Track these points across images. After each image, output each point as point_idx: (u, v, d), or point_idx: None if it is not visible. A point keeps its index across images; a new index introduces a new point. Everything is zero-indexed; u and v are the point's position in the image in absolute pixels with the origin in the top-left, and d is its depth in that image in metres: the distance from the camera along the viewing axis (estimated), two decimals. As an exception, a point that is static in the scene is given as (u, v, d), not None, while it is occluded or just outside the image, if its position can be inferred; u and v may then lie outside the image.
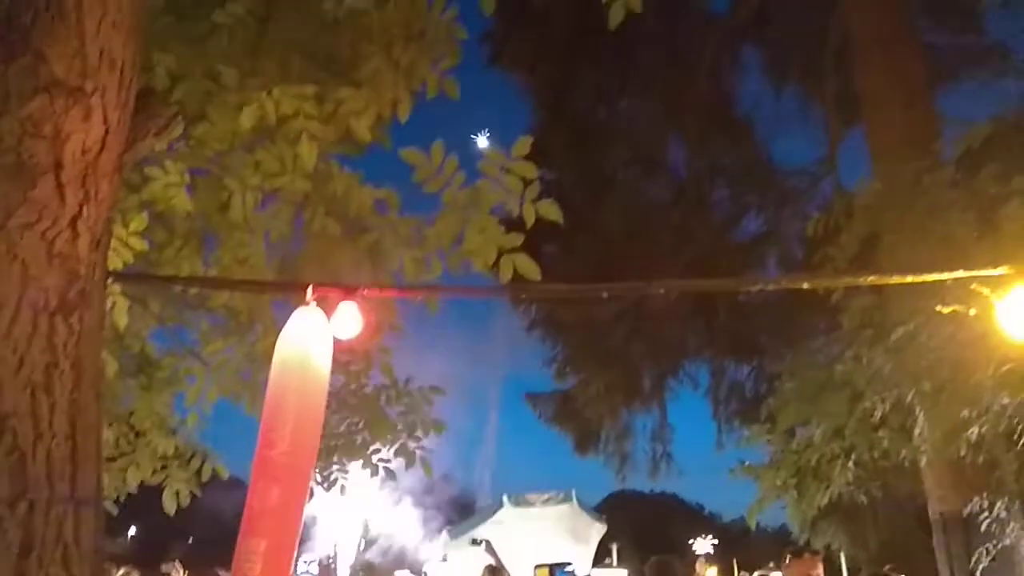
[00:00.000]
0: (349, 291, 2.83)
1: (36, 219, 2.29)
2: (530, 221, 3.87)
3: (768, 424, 8.17)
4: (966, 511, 6.65)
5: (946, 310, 3.28)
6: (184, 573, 7.19)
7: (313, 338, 2.62)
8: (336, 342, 2.92)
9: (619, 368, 14.09)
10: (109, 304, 3.99)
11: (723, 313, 13.59)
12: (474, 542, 11.58)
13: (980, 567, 6.58)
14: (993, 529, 6.42)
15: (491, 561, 7.17)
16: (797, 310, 11.50)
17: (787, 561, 4.95)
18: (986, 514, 6.38)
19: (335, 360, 5.02)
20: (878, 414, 6.55)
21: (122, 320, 4.10)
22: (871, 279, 3.47)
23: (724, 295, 13.24)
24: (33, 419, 2.13)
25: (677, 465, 15.28)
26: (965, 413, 5.59)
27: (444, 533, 13.55)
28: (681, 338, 14.22)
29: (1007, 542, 6.51)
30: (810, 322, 10.88)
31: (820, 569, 4.88)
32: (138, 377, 5.32)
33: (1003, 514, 6.33)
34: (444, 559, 11.51)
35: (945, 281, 2.93)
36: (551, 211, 3.88)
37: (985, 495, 6.47)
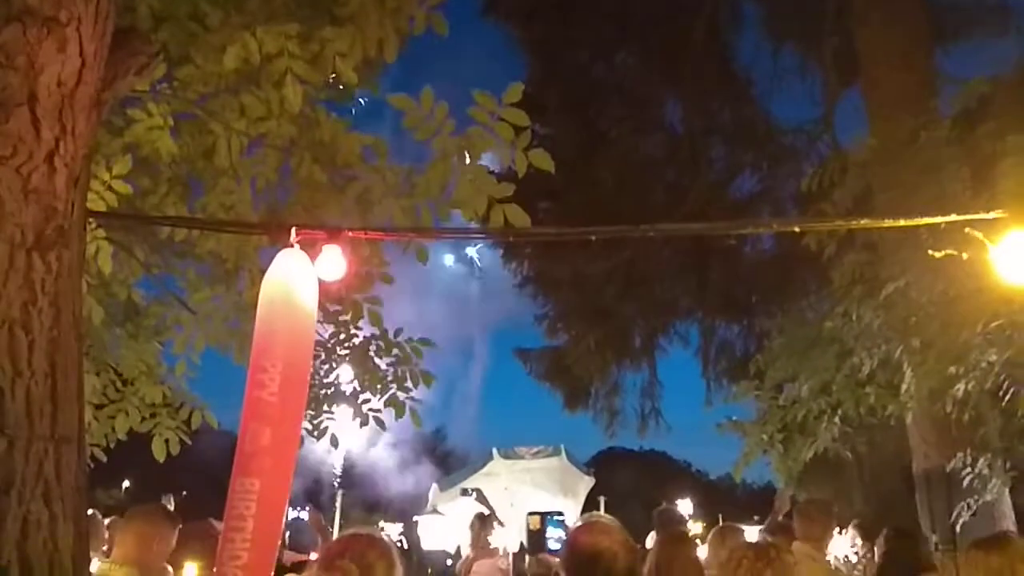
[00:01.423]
0: (333, 233, 2.79)
1: (10, 153, 2.23)
2: (521, 170, 3.81)
3: (756, 380, 8.23)
4: (949, 467, 6.73)
5: (939, 255, 3.26)
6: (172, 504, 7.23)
7: (298, 279, 2.58)
8: (326, 290, 2.89)
9: (610, 325, 14.12)
10: (93, 249, 3.93)
11: (715, 272, 13.59)
12: (464, 492, 11.72)
13: (961, 522, 6.69)
14: (975, 485, 6.51)
15: (482, 510, 7.25)
16: (789, 269, 11.51)
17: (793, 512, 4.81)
18: (969, 470, 6.46)
19: (324, 310, 5.00)
20: (866, 370, 6.59)
21: (107, 266, 4.05)
22: (863, 223, 3.44)
23: (717, 254, 13.24)
24: (11, 356, 2.10)
25: (666, 422, 15.45)
26: (952, 370, 5.62)
27: (434, 485, 13.73)
28: (672, 296, 14.24)
29: (988, 498, 6.61)
30: (802, 281, 10.90)
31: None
32: (125, 325, 5.29)
33: (985, 470, 6.42)
34: (435, 510, 11.68)
35: (939, 226, 2.90)
36: (543, 160, 3.81)
37: (969, 451, 6.55)
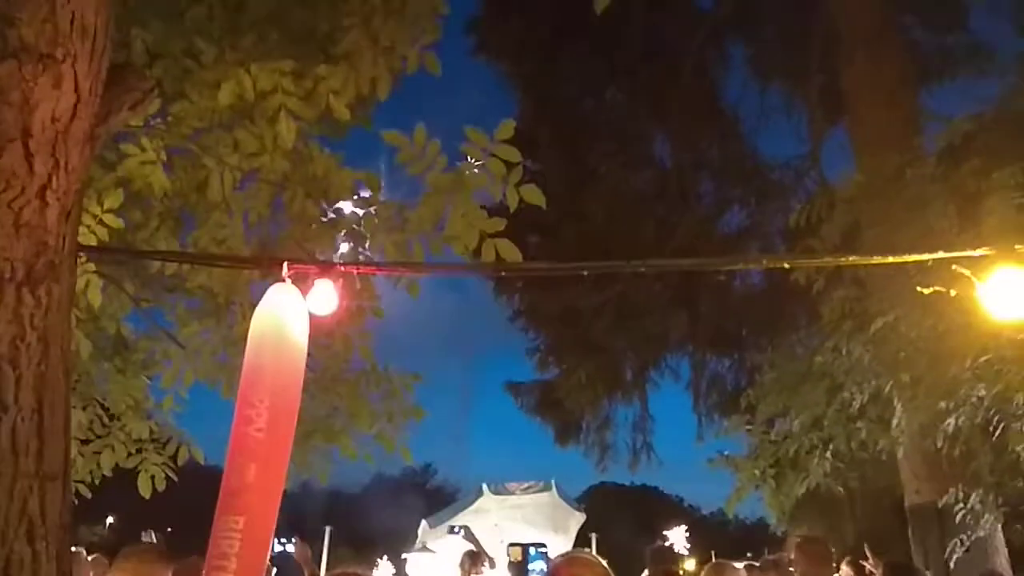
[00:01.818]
0: (325, 268, 2.79)
1: (3, 188, 2.23)
2: (513, 205, 3.83)
3: (747, 415, 8.22)
4: (941, 502, 6.71)
5: (927, 291, 3.29)
6: (154, 540, 7.11)
7: (289, 314, 2.57)
8: (317, 323, 2.87)
9: (601, 359, 14.10)
10: (83, 283, 3.92)
11: (705, 306, 13.64)
12: (452, 530, 11.56)
13: (954, 557, 6.65)
14: (968, 520, 6.48)
15: (471, 547, 7.15)
16: (779, 303, 11.56)
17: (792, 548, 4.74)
18: (961, 505, 6.44)
19: (315, 344, 4.98)
20: (856, 405, 6.60)
21: (96, 300, 4.03)
22: (852, 259, 3.47)
23: (707, 288, 13.30)
24: (-2, 392, 2.07)
25: (657, 457, 15.36)
26: (942, 404, 5.64)
27: (423, 522, 13.54)
28: (663, 330, 14.24)
29: (981, 533, 6.59)
30: (791, 315, 10.95)
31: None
32: (113, 360, 5.25)
33: (977, 506, 6.40)
34: (424, 547, 11.51)
35: (927, 263, 2.93)
36: (534, 196, 3.84)
37: (960, 487, 6.53)
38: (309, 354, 3.95)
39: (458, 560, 6.84)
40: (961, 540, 6.63)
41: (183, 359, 4.87)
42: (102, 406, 5.40)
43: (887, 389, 6.10)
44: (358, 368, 5.33)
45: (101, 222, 3.87)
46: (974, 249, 2.55)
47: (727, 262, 6.82)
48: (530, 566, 12.91)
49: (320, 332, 4.88)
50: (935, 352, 5.50)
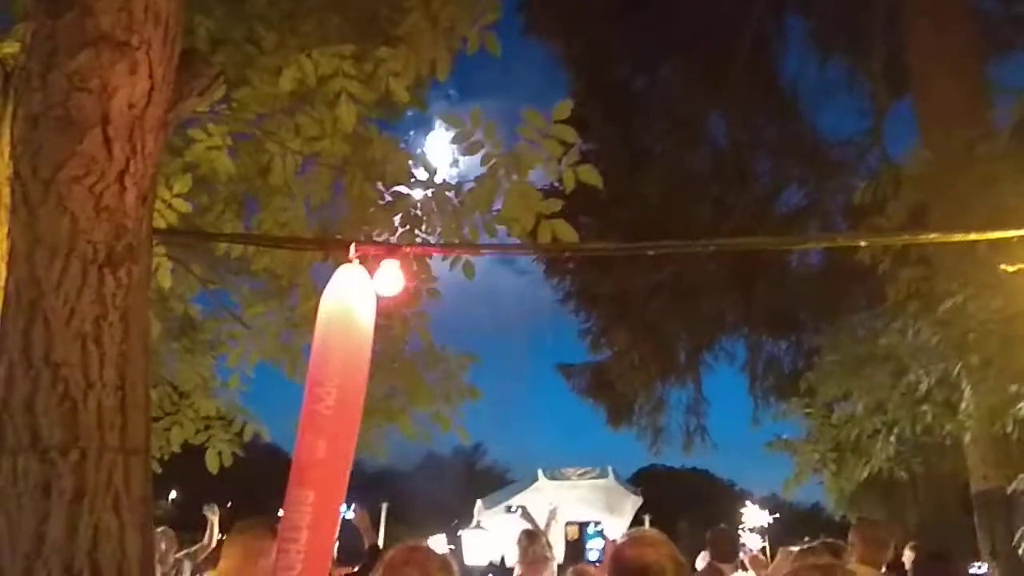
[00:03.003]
0: (392, 250, 2.83)
1: (84, 173, 2.31)
2: (569, 186, 3.83)
3: (806, 398, 8.07)
4: (1010, 489, 6.50)
5: (1012, 268, 3.17)
6: (219, 515, 7.33)
7: (357, 294, 2.63)
8: (377, 304, 2.92)
9: (654, 341, 13.99)
10: (154, 266, 4.05)
11: (761, 287, 13.38)
12: (509, 509, 11.66)
13: (1019, 544, 6.44)
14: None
15: (528, 527, 7.20)
16: (838, 284, 11.28)
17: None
18: (1030, 492, 6.23)
19: (375, 325, 5.07)
20: (922, 388, 6.42)
21: (166, 281, 4.17)
22: (932, 236, 3.36)
23: (763, 269, 13.05)
24: (83, 369, 2.17)
25: (711, 439, 15.21)
26: (1013, 388, 5.45)
27: (478, 502, 13.69)
28: (718, 312, 14.05)
29: (1050, 522, 6.37)
30: (851, 296, 10.67)
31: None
32: (181, 340, 5.42)
33: (1047, 493, 6.18)
34: (479, 525, 11.66)
35: (1003, 241, 2.83)
36: (591, 176, 3.83)
37: (1031, 475, 6.31)
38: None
39: (514, 539, 6.89)
40: (1028, 529, 6.41)
41: (248, 339, 5.01)
42: (171, 385, 5.59)
43: (955, 372, 5.92)
44: (415, 349, 5.41)
45: (170, 206, 3.99)
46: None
47: (797, 241, 6.66)
48: (588, 544, 12.94)
49: (379, 314, 4.97)
50: (1006, 334, 5.31)
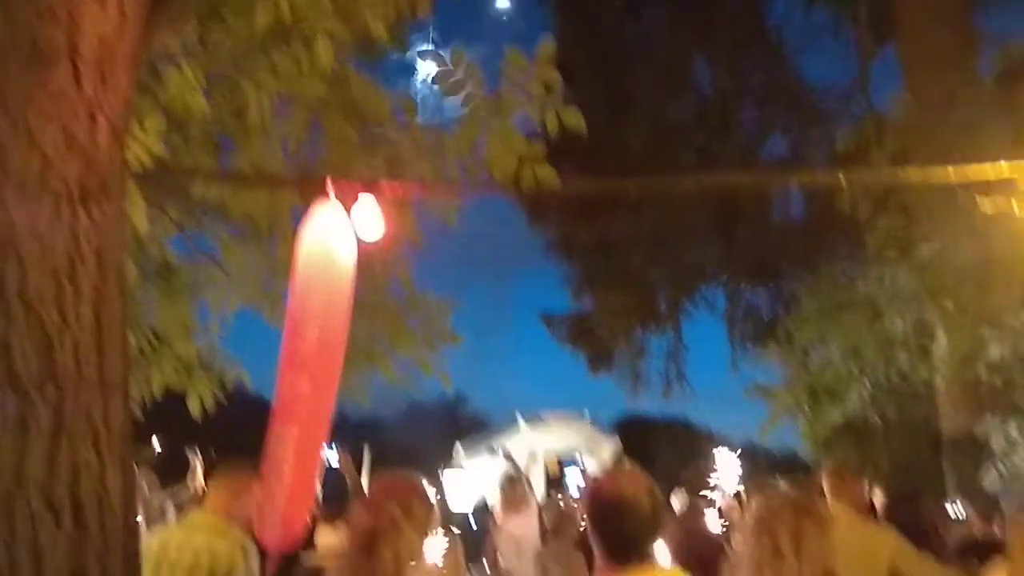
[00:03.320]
0: (369, 186, 2.79)
1: (54, 108, 2.25)
2: (552, 129, 3.79)
3: (784, 344, 8.19)
4: (978, 431, 6.69)
5: (987, 203, 3.20)
6: (200, 459, 7.39)
7: (335, 231, 2.60)
8: (358, 249, 2.90)
9: (636, 289, 14.09)
10: (129, 207, 3.98)
11: (743, 236, 13.45)
12: (491, 450, 11.83)
13: (988, 485, 6.66)
14: (1004, 450, 6.47)
15: (510, 468, 7.33)
16: (818, 233, 11.35)
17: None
18: (999, 435, 6.41)
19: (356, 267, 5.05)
20: (898, 333, 6.53)
21: (141, 224, 4.10)
22: (912, 172, 3.38)
23: (744, 217, 13.11)
24: (58, 306, 2.14)
25: (690, 386, 15.47)
26: (986, 333, 5.56)
27: (458, 445, 13.90)
28: (699, 261, 14.13)
29: (1016, 461, 6.57)
30: (831, 245, 10.75)
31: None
32: (159, 284, 5.36)
33: (1015, 435, 6.37)
34: (460, 467, 11.87)
35: (979, 185, 2.84)
36: (574, 119, 3.80)
37: (999, 417, 6.49)
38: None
39: (496, 480, 7.02)
40: (996, 468, 6.62)
41: (227, 285, 4.98)
42: (151, 331, 5.56)
43: (930, 318, 6.03)
44: (397, 294, 5.41)
45: (144, 147, 3.91)
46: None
47: (782, 177, 6.66)
48: (566, 471, 13.23)
49: (360, 257, 4.95)
50: (981, 280, 5.40)
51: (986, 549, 3.96)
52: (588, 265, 14.65)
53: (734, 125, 13.28)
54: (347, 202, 2.77)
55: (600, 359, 15.44)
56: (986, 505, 6.69)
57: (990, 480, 6.66)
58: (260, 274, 4.83)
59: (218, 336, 5.38)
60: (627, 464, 2.34)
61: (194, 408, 5.42)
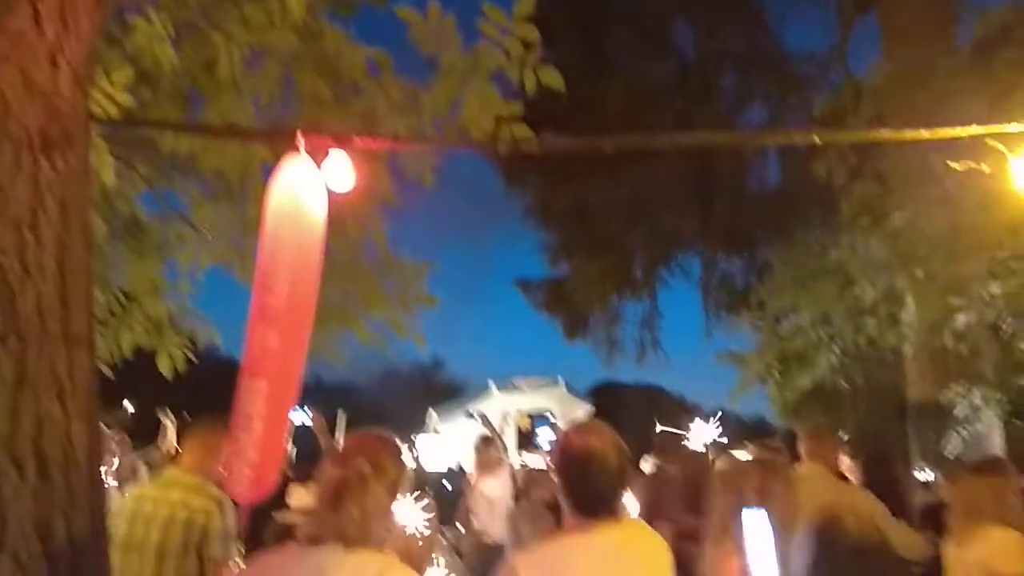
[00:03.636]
0: (340, 140, 2.74)
1: (13, 51, 2.17)
2: (530, 87, 3.73)
3: (757, 311, 8.27)
4: (943, 398, 6.83)
5: (959, 166, 3.22)
6: (172, 420, 7.35)
7: (305, 186, 2.56)
8: (330, 205, 2.86)
9: (612, 256, 14.12)
10: (96, 163, 3.88)
11: (719, 205, 13.50)
12: (469, 415, 11.90)
13: (949, 449, 6.82)
14: (967, 416, 6.61)
15: (484, 431, 7.38)
16: (794, 203, 11.43)
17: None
18: (962, 401, 6.56)
19: (328, 228, 4.99)
20: (867, 300, 6.62)
21: (109, 178, 4.00)
22: (885, 133, 3.38)
23: (721, 185, 13.15)
24: (20, 257, 2.09)
25: (664, 353, 15.62)
26: (954, 301, 5.64)
27: (431, 411, 13.96)
28: (675, 229, 14.18)
29: (979, 428, 6.73)
30: (806, 215, 10.83)
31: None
32: (128, 241, 5.27)
33: (979, 402, 6.51)
34: (434, 431, 11.95)
35: (954, 149, 2.86)
36: (552, 78, 3.74)
37: (963, 384, 6.63)
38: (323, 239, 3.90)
39: (470, 444, 7.06)
40: (959, 434, 6.78)
41: (198, 242, 4.90)
42: (121, 290, 5.47)
43: (900, 286, 6.11)
44: (371, 254, 5.36)
45: (111, 99, 3.80)
46: (1007, 128, 2.47)
47: (757, 137, 6.68)
48: (538, 429, 13.38)
49: (332, 217, 4.88)
50: (951, 249, 5.47)
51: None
52: (565, 231, 14.64)
53: (714, 91, 13.24)
54: (318, 156, 2.71)
55: (576, 326, 15.52)
56: (950, 470, 6.86)
57: (954, 445, 6.83)
58: (231, 232, 4.75)
59: (189, 295, 5.31)
60: (595, 420, 2.35)
61: (165, 368, 5.36)
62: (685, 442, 6.78)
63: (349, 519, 1.85)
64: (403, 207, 5.24)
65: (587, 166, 12.27)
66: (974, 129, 2.56)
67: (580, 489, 2.08)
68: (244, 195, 4.63)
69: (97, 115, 3.58)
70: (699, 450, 6.13)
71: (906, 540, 3.88)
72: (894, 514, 3.96)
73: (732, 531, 2.38)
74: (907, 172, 5.54)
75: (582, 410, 14.60)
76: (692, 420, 7.07)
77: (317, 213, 2.63)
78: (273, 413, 2.35)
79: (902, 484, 5.27)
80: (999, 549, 3.06)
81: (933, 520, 4.18)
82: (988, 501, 3.24)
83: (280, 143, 2.82)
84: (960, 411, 6.64)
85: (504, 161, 12.99)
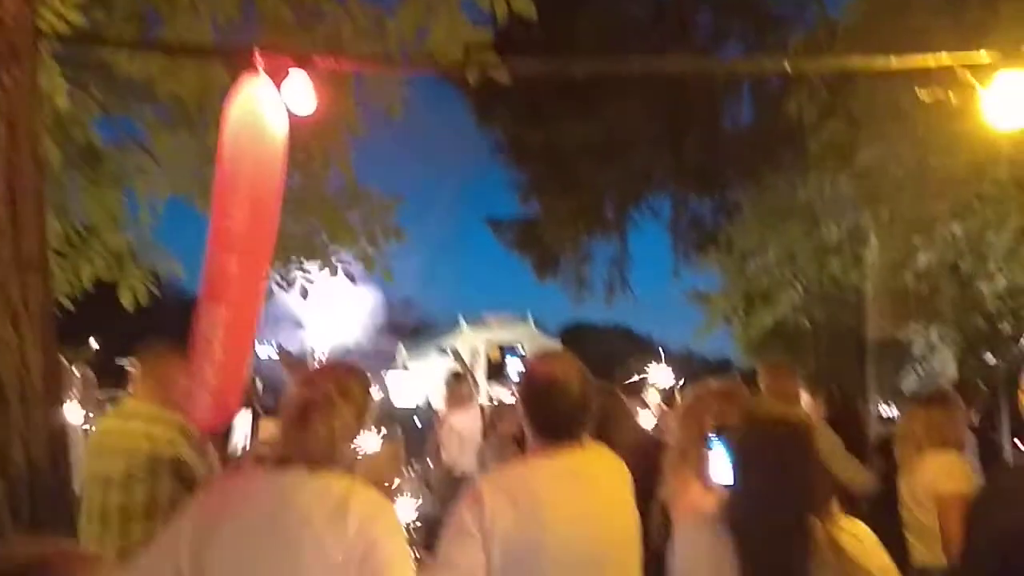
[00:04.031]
0: (301, 61, 2.64)
1: (-52, -43, 2.05)
2: (501, 15, 3.63)
3: (725, 251, 8.34)
4: (901, 336, 6.99)
5: (927, 96, 3.23)
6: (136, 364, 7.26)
7: (264, 106, 2.47)
8: (293, 137, 2.78)
9: (584, 195, 14.06)
10: (48, 87, 3.72)
11: (691, 144, 13.45)
12: (441, 351, 11.98)
13: (905, 385, 7.03)
14: (924, 353, 6.80)
15: (456, 366, 7.42)
16: (766, 144, 11.40)
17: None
18: (920, 339, 6.72)
19: (291, 159, 4.86)
20: (832, 239, 6.70)
21: (61, 101, 3.84)
22: (855, 61, 3.36)
23: (694, 126, 13.08)
24: (-35, 176, 2.01)
25: (633, 293, 15.76)
26: (916, 241, 5.73)
27: (399, 345, 14.02)
28: (647, 168, 14.13)
29: (936, 365, 6.93)
30: (778, 157, 10.84)
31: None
32: (84, 170, 5.09)
33: (935, 340, 6.68)
34: (404, 368, 12.02)
35: (925, 81, 2.85)
36: (523, 5, 3.64)
37: (922, 322, 6.79)
38: (288, 171, 3.80)
39: (440, 378, 7.10)
40: (915, 371, 6.98)
41: (157, 172, 4.76)
42: (78, 220, 5.31)
43: (865, 225, 6.17)
44: (337, 186, 5.26)
45: (62, 18, 3.62)
46: (978, 58, 2.46)
47: (727, 65, 6.61)
48: (507, 359, 13.58)
49: (296, 146, 4.74)
50: (917, 189, 5.52)
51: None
52: (537, 169, 14.52)
53: (689, 28, 13.05)
54: (278, 77, 2.62)
55: (546, 265, 15.54)
56: (905, 405, 7.08)
57: (910, 382, 7.03)
58: (190, 161, 4.62)
59: (149, 227, 5.18)
60: (559, 348, 2.37)
61: (126, 299, 5.26)
62: (650, 379, 6.88)
63: (315, 439, 1.85)
64: (372, 140, 5.13)
65: (558, 104, 12.11)
66: (943, 58, 2.55)
67: (543, 415, 2.10)
68: (203, 123, 4.48)
69: (45, 32, 3.42)
70: (665, 387, 6.23)
71: (854, 476, 4.00)
72: (852, 448, 4.08)
73: (691, 459, 2.43)
74: (877, 111, 5.54)
75: (551, 345, 14.76)
76: (658, 362, 7.16)
77: (277, 135, 2.55)
78: (233, 339, 2.31)
79: (860, 419, 5.43)
80: (941, 471, 3.21)
81: (888, 453, 4.32)
82: (934, 431, 3.38)
83: (238, 63, 2.71)
84: (917, 349, 6.82)
85: (474, 94, 12.77)
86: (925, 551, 3.37)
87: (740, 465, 1.83)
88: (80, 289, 5.44)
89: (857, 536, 1.76)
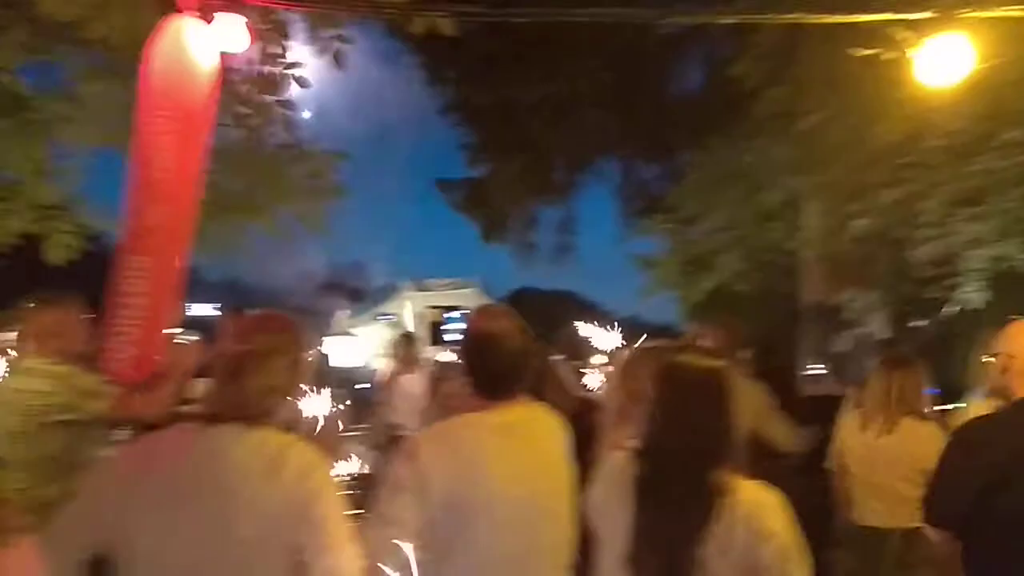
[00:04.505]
0: (231, 1, 2.52)
1: None
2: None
3: (670, 216, 8.41)
4: (836, 301, 7.18)
5: (863, 53, 3.27)
6: None
7: (193, 47, 2.35)
8: (235, 92, 2.67)
9: (532, 158, 13.96)
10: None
11: (641, 108, 13.42)
12: (383, 315, 11.87)
13: (841, 348, 7.23)
14: (858, 318, 7.00)
15: (403, 329, 7.38)
16: (715, 110, 11.47)
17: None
18: (854, 304, 6.91)
19: (230, 113, 4.68)
20: (773, 205, 6.80)
21: (-21, 42, 3.63)
22: (795, 16, 3.38)
23: (644, 90, 13.06)
24: None
25: (580, 257, 15.84)
26: (852, 208, 5.85)
27: (338, 312, 13.86)
28: (596, 132, 14.08)
29: (868, 330, 7.15)
30: (727, 123, 10.92)
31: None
32: (8, 119, 4.84)
33: (868, 304, 6.88)
34: (346, 332, 11.89)
35: (865, 41, 2.88)
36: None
37: (856, 288, 6.97)
38: (224, 124, 3.68)
39: (382, 344, 7.04)
40: (847, 336, 7.20)
41: (86, 121, 4.55)
42: (5, 173, 5.07)
43: (803, 191, 6.28)
44: (277, 143, 5.12)
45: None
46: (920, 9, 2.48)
47: (665, 14, 6.58)
48: (447, 326, 13.57)
49: (238, 100, 4.58)
50: (855, 156, 5.62)
51: (835, 404, 4.29)
52: (485, 130, 14.34)
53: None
54: (208, 16, 2.50)
55: (494, 228, 15.45)
56: (839, 366, 7.33)
57: (843, 344, 7.25)
58: (120, 110, 4.42)
59: (78, 179, 4.97)
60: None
61: (55, 255, 5.07)
62: (593, 343, 6.93)
63: (249, 393, 1.79)
64: (316, 95, 4.99)
65: (510, 65, 11.95)
66: (882, 16, 2.57)
67: (481, 370, 2.10)
68: (133, 70, 4.28)
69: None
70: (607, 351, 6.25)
71: (783, 435, 4.09)
72: (784, 406, 4.17)
73: (628, 417, 2.45)
74: (818, 77, 5.61)
75: (497, 311, 14.78)
76: (603, 326, 7.20)
77: (206, 77, 2.44)
78: (157, 291, 2.23)
79: (791, 377, 5.58)
80: (932, 444, 3.14)
81: (820, 410, 4.44)
82: (903, 396, 3.45)
83: (167, 2, 2.57)
84: (851, 314, 7.02)
85: (423, 52, 12.53)
86: (885, 513, 3.43)
87: (651, 411, 1.87)
88: (6, 244, 5.22)
89: (758, 494, 1.79)
